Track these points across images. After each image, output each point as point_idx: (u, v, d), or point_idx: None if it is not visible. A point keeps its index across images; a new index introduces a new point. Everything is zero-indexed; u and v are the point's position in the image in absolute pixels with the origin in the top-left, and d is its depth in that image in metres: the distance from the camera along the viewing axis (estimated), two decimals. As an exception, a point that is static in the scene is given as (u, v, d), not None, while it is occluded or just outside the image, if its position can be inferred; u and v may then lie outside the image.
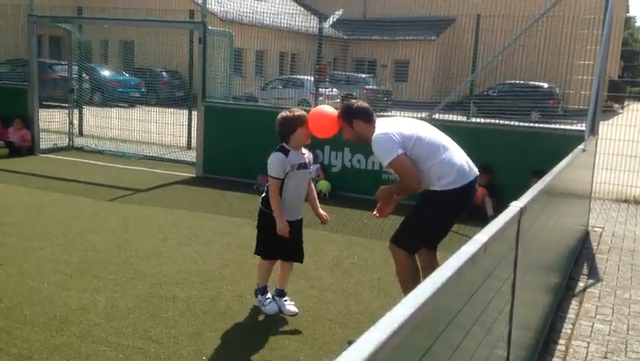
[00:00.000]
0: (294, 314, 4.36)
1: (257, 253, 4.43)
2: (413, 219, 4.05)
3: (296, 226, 4.28)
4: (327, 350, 3.87)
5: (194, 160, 9.88)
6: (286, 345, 3.91)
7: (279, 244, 4.25)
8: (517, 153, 7.60)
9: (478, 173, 4.05)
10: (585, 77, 8.58)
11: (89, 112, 13.11)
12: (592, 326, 4.57)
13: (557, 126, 9.57)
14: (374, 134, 3.91)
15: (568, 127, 9.40)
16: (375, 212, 4.24)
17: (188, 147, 11.85)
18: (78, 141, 12.04)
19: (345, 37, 17.09)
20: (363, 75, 18.20)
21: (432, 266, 3.95)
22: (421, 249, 4.08)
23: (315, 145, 8.11)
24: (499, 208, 4.78)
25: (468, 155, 4.08)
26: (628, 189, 8.98)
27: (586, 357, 4.06)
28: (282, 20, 14.97)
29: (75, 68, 12.26)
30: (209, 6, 10.03)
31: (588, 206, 7.57)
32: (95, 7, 17.79)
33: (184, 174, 9.67)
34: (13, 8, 13.22)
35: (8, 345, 3.69)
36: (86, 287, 4.67)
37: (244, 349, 3.83)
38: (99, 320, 4.10)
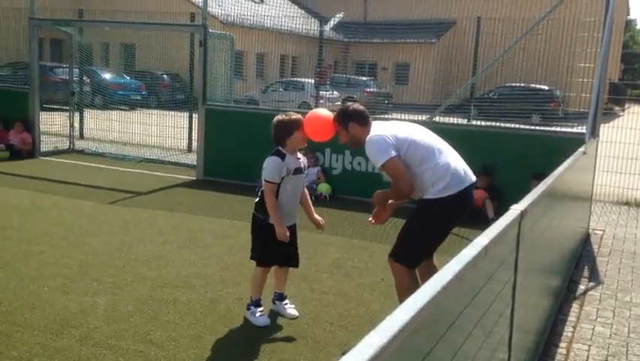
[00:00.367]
0: (295, 317, 4.35)
1: (253, 258, 4.36)
2: (411, 233, 3.95)
3: (292, 231, 4.25)
4: (328, 353, 3.86)
5: (195, 163, 9.89)
6: (287, 348, 3.90)
7: (277, 251, 4.18)
8: (518, 155, 7.59)
9: (475, 179, 3.95)
10: (586, 80, 8.57)
11: (89, 115, 13.15)
12: (593, 329, 4.56)
13: (558, 129, 9.57)
14: (368, 136, 3.85)
15: (568, 130, 9.41)
16: (370, 219, 4.19)
17: (189, 149, 11.86)
18: (79, 144, 12.07)
19: (346, 39, 17.08)
20: (364, 78, 18.19)
21: (430, 273, 3.89)
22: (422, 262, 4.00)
23: (315, 148, 8.13)
24: (499, 211, 4.77)
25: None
26: (629, 192, 8.97)
27: (587, 360, 4.05)
28: (283, 23, 14.97)
29: (76, 70, 12.27)
30: (210, 9, 10.06)
31: (589, 209, 7.56)
32: (95, 10, 17.78)
33: (184, 176, 9.67)
34: (14, 11, 13.23)
35: (8, 348, 3.69)
36: (86, 290, 4.66)
37: (245, 352, 3.83)
38: (99, 323, 4.09)
